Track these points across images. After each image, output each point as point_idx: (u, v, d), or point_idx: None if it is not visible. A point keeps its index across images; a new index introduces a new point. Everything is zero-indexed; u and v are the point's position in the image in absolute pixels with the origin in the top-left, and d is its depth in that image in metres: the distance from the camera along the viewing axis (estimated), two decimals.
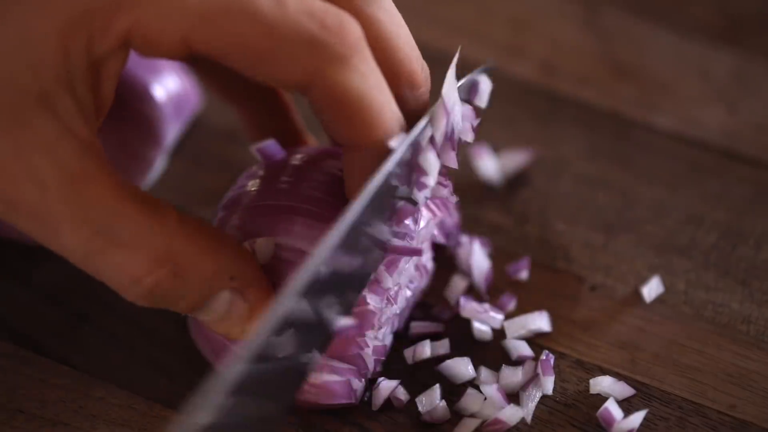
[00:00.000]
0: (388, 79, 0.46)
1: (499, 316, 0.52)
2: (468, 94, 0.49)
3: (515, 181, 0.59)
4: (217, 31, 0.42)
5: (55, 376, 0.51)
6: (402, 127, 0.45)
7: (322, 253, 0.42)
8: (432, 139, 0.47)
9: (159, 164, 0.58)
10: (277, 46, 0.43)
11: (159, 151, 0.57)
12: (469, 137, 0.49)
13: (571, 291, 0.54)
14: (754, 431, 0.49)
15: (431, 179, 0.47)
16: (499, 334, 0.52)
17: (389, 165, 0.45)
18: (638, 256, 0.56)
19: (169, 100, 0.57)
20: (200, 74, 0.55)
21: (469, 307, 0.52)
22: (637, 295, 0.54)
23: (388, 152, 0.45)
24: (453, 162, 0.48)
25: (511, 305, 0.53)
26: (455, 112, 0.48)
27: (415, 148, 0.46)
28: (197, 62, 0.55)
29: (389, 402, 0.50)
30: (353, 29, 0.43)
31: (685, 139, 0.61)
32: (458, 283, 0.54)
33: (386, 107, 0.45)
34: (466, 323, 0.52)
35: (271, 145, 0.50)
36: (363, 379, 0.49)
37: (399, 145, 0.45)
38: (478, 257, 0.54)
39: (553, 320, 0.53)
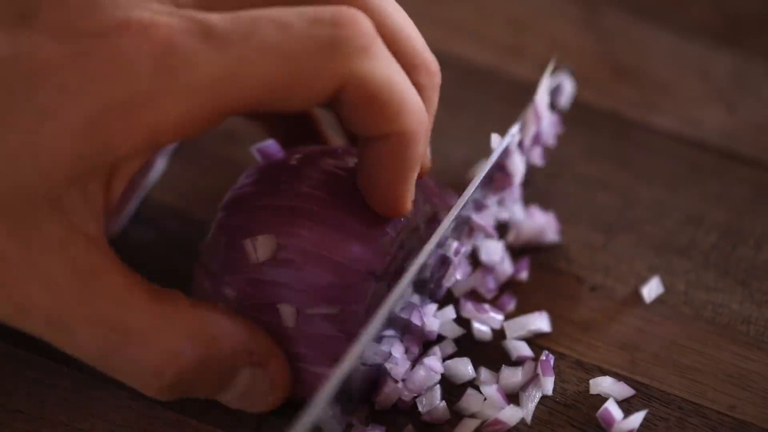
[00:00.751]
0: (405, 69, 0.45)
1: (499, 317, 0.52)
2: (552, 96, 0.52)
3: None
4: (242, 85, 0.41)
5: (54, 376, 0.51)
6: (425, 113, 0.45)
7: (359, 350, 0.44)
8: (521, 144, 0.49)
9: (159, 164, 0.58)
10: (301, 67, 0.41)
11: (160, 152, 0.57)
12: (551, 142, 0.54)
13: (570, 291, 0.54)
14: (754, 431, 0.49)
15: (516, 179, 0.50)
16: (499, 334, 0.52)
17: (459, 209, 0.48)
18: (638, 257, 0.56)
19: None
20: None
21: (468, 308, 0.52)
22: (637, 296, 0.54)
23: (417, 136, 0.45)
24: (538, 159, 0.54)
25: (511, 306, 0.53)
26: (546, 115, 0.53)
27: (505, 152, 0.48)
28: None
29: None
30: (364, 20, 0.43)
31: (685, 140, 0.61)
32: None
33: (412, 93, 0.44)
34: (466, 323, 0.52)
35: (270, 145, 0.50)
36: None
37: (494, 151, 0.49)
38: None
39: (553, 321, 0.53)
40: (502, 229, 0.56)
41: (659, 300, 0.54)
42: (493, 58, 0.64)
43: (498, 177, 0.52)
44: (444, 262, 0.50)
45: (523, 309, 0.53)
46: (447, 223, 0.48)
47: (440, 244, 0.48)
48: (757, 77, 0.64)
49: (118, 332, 0.42)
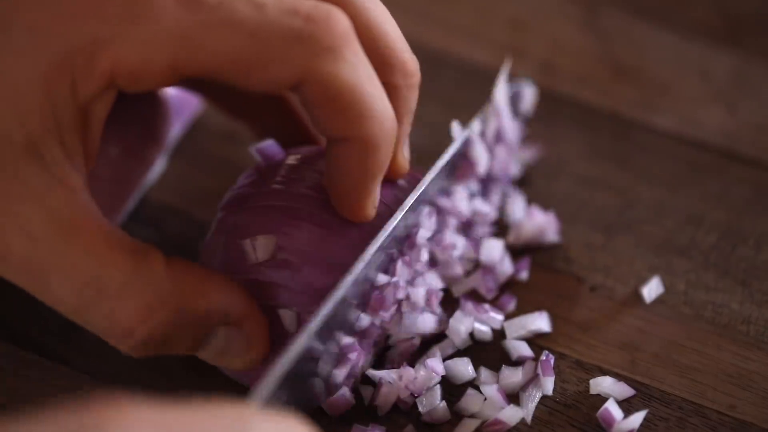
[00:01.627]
0: (379, 69, 0.45)
1: (499, 317, 0.52)
2: (513, 101, 0.51)
3: (515, 181, 0.59)
4: (202, 49, 0.42)
5: (55, 376, 0.51)
6: (393, 122, 0.45)
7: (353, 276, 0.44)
8: (483, 134, 0.49)
9: (159, 164, 0.58)
10: (264, 49, 0.42)
11: (159, 151, 0.57)
12: (515, 143, 0.54)
13: (570, 291, 0.54)
14: (754, 431, 0.49)
15: (480, 168, 0.49)
16: (499, 334, 0.52)
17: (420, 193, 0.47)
18: (638, 257, 0.56)
19: (170, 100, 0.57)
20: (208, 98, 0.55)
21: (468, 308, 0.52)
22: (637, 296, 0.54)
23: (378, 143, 0.45)
24: (510, 166, 0.54)
25: (511, 306, 0.53)
26: (506, 113, 0.50)
27: (467, 143, 0.48)
28: (203, 87, 0.54)
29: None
30: (341, 20, 0.43)
31: (685, 140, 0.61)
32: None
33: (378, 99, 0.44)
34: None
35: (270, 145, 0.50)
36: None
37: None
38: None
39: (553, 321, 0.53)
40: (502, 229, 0.56)
41: (659, 300, 0.54)
42: (493, 58, 0.64)
43: (461, 165, 0.52)
44: (407, 243, 0.49)
45: (523, 309, 0.53)
46: (408, 202, 0.48)
47: (405, 227, 0.48)
48: (757, 77, 0.64)
49: (93, 286, 0.43)
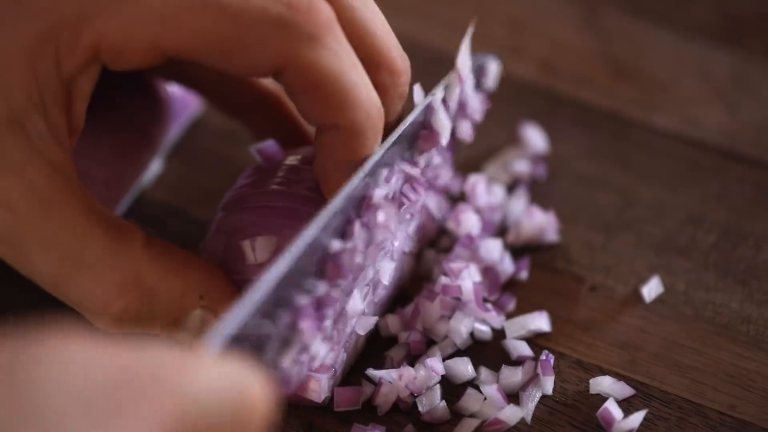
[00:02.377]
0: (367, 66, 0.45)
1: (499, 317, 0.52)
2: (477, 75, 0.50)
3: (515, 182, 0.59)
4: (184, 29, 0.42)
5: None
6: (379, 111, 0.45)
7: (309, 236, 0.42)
8: (444, 102, 0.48)
9: (155, 166, 0.58)
10: (245, 32, 0.42)
11: (153, 155, 0.57)
12: (478, 116, 0.51)
13: (570, 291, 0.54)
14: (753, 431, 0.49)
15: (444, 139, 0.48)
16: (499, 334, 0.52)
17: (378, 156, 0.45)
18: (638, 256, 0.55)
19: (170, 102, 0.57)
20: (205, 96, 0.55)
21: (468, 307, 0.52)
22: (637, 295, 0.54)
23: (363, 132, 0.45)
24: (468, 134, 0.50)
25: (511, 305, 0.53)
26: (469, 81, 0.49)
27: (428, 110, 0.47)
28: (200, 85, 0.54)
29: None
30: (323, 8, 0.43)
31: (685, 139, 0.61)
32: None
33: (362, 87, 0.44)
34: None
35: (270, 145, 0.50)
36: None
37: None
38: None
39: (553, 320, 0.53)
40: (502, 229, 0.56)
41: (659, 300, 0.54)
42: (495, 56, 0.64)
43: (424, 135, 0.50)
44: (365, 205, 0.47)
45: (523, 309, 0.53)
46: (368, 165, 0.46)
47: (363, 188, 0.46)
48: (757, 77, 0.64)
49: (70, 261, 0.43)
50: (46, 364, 0.32)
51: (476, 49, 0.64)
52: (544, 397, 0.50)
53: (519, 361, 0.51)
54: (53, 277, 0.43)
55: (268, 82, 0.54)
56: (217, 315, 0.45)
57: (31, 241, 0.43)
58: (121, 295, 0.43)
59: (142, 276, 0.44)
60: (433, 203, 0.54)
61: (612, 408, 0.49)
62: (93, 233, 0.43)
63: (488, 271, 0.54)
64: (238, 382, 0.34)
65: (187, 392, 0.33)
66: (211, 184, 0.58)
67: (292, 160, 0.50)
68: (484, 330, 0.52)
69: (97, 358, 0.32)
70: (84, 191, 0.44)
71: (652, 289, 0.54)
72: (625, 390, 0.50)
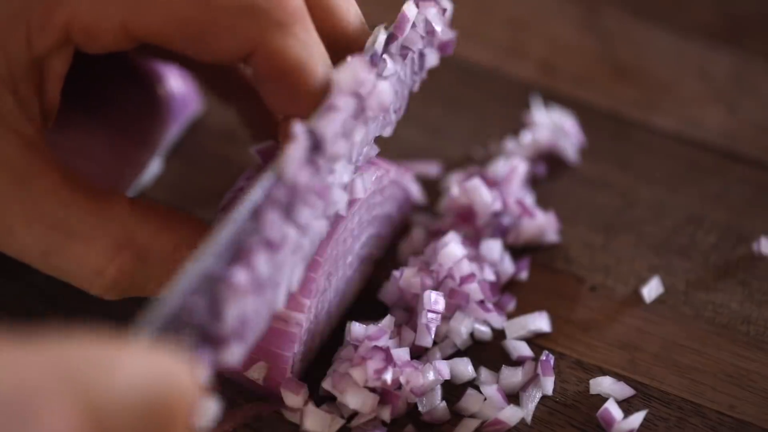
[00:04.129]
0: (335, 52, 0.45)
1: (499, 317, 0.52)
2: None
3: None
4: (154, 12, 0.42)
5: None
6: None
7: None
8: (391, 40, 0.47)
9: (154, 166, 0.58)
10: (215, 17, 0.42)
11: (151, 156, 0.57)
12: (448, 35, 0.49)
13: (570, 291, 0.54)
14: (753, 431, 0.49)
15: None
16: (499, 334, 0.52)
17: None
18: (638, 257, 0.55)
19: (170, 103, 0.57)
20: (197, 77, 0.55)
21: (469, 307, 0.52)
22: (637, 296, 0.54)
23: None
24: (434, 60, 0.49)
25: (511, 305, 0.53)
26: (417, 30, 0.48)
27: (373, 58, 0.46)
28: (194, 68, 0.54)
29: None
30: None
31: (685, 139, 0.61)
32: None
33: (328, 78, 0.44)
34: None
35: (270, 146, 0.50)
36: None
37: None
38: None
39: (553, 321, 0.53)
40: (502, 229, 0.56)
41: (659, 300, 0.54)
42: (493, 58, 0.64)
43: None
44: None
45: (523, 309, 0.53)
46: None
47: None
48: (757, 77, 0.64)
49: (58, 231, 0.43)
50: None
51: (476, 49, 0.64)
52: (544, 397, 0.50)
53: (519, 362, 0.51)
54: (43, 250, 0.43)
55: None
56: None
57: (13, 216, 0.43)
58: (114, 257, 0.43)
59: (133, 236, 0.44)
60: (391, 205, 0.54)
61: (612, 408, 0.49)
62: (76, 200, 0.43)
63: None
64: (164, 377, 0.33)
65: (102, 393, 0.31)
66: (211, 184, 0.58)
67: None
68: (484, 330, 0.52)
69: (8, 364, 0.31)
70: (60, 163, 0.44)
71: (652, 290, 0.54)
72: (625, 390, 0.50)
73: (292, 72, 0.43)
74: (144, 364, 0.33)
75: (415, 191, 0.55)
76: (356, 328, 0.48)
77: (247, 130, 0.56)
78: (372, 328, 0.48)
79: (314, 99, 0.44)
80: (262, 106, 0.54)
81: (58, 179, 0.43)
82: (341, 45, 0.46)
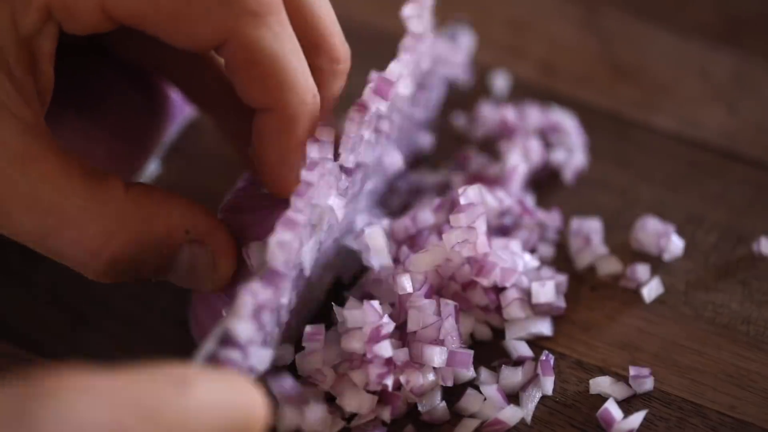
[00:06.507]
0: (307, 50, 0.46)
1: (500, 317, 0.52)
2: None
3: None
4: None
5: None
6: (315, 98, 0.46)
7: None
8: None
9: (152, 168, 0.58)
10: (190, 6, 0.43)
11: (148, 158, 0.57)
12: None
13: (570, 291, 0.54)
14: (753, 431, 0.49)
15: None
16: (499, 334, 0.52)
17: None
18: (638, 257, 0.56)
19: (165, 103, 0.57)
20: (178, 86, 0.55)
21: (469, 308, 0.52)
22: (637, 296, 0.54)
23: (298, 117, 0.45)
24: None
25: None
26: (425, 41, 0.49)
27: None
28: (176, 76, 0.54)
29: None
30: None
31: (685, 139, 0.61)
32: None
33: (299, 72, 0.45)
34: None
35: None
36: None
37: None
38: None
39: (553, 321, 0.53)
40: (503, 229, 0.56)
41: (659, 300, 0.54)
42: (493, 58, 0.64)
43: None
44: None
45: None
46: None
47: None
48: (758, 77, 0.64)
49: (54, 214, 0.43)
50: (51, 401, 0.33)
51: (476, 49, 0.64)
52: (544, 397, 0.50)
53: (519, 362, 0.51)
54: (39, 233, 0.44)
55: None
56: (206, 247, 0.46)
57: (11, 200, 0.43)
58: (109, 241, 0.44)
59: (128, 220, 0.44)
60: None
61: (612, 408, 0.49)
62: (72, 184, 0.43)
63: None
64: (238, 395, 0.36)
65: (186, 417, 0.34)
66: (211, 184, 0.58)
67: None
68: (484, 330, 0.52)
69: (98, 388, 0.33)
70: (59, 146, 0.44)
71: (652, 290, 0.54)
72: (625, 390, 0.50)
73: (264, 62, 0.44)
74: (217, 387, 0.35)
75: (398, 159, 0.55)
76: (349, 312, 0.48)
77: (227, 141, 0.56)
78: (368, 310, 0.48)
79: (284, 90, 0.44)
80: (241, 116, 0.54)
81: (56, 163, 0.44)
82: (311, 39, 0.47)
